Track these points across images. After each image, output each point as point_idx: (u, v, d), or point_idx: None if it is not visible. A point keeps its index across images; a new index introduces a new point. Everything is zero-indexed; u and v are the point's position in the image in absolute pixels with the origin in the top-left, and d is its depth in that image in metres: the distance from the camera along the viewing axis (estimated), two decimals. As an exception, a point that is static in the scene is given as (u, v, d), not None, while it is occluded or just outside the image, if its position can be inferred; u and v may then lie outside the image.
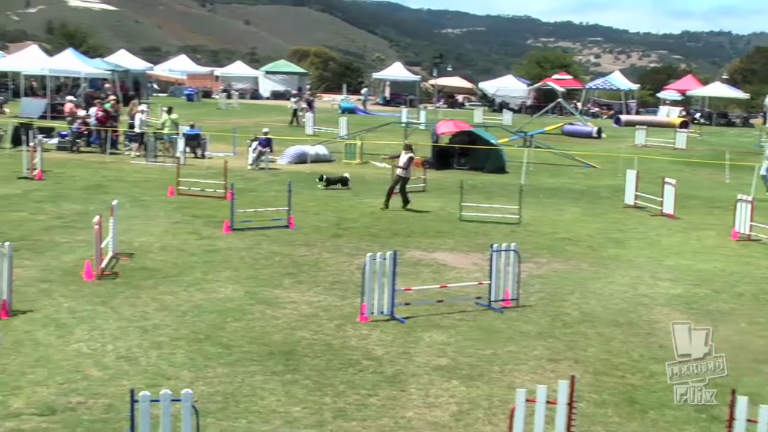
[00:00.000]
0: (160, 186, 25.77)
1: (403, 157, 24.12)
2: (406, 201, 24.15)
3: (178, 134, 33.40)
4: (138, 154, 33.43)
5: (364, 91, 78.55)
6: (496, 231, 21.09)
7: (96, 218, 15.46)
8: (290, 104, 55.37)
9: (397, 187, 24.17)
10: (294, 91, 71.79)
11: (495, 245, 14.86)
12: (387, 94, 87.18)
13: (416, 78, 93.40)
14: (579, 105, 77.00)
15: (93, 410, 9.89)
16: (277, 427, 9.75)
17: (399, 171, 24.18)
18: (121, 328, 12.81)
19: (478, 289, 15.14)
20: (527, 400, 8.63)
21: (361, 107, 69.68)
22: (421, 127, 45.59)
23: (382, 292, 13.81)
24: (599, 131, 53.25)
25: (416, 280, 15.96)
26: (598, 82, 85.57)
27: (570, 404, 8.56)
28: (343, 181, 27.91)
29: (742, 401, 8.37)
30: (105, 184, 26.23)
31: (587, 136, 52.45)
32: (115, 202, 17.44)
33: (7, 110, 48.90)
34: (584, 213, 25.06)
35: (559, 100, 65.66)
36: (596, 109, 78.90)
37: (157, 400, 7.96)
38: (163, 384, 10.21)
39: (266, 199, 23.83)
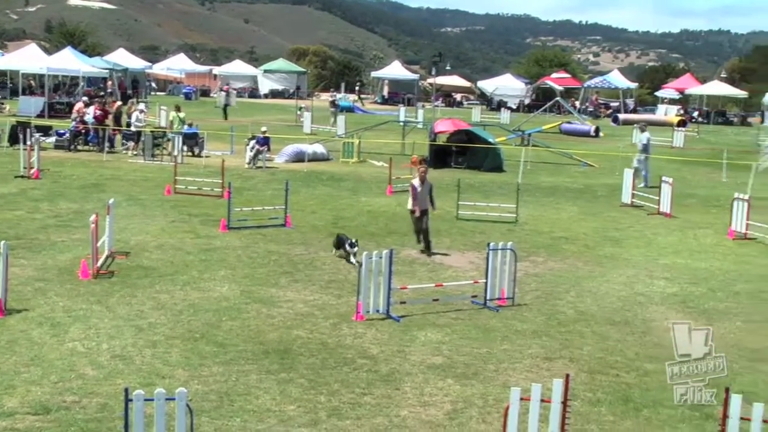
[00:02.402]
0: (158, 185, 25.76)
1: (424, 187, 18.74)
2: (429, 244, 18.69)
3: (179, 133, 33.46)
4: (135, 152, 33.43)
5: (338, 96, 72.88)
6: (493, 230, 21.10)
7: (92, 217, 15.47)
8: (219, 99, 55.26)
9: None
10: (225, 88, 69.70)
11: (491, 244, 14.86)
12: (385, 92, 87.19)
13: (414, 77, 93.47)
14: (577, 104, 76.97)
15: (87, 409, 9.89)
16: (271, 425, 9.75)
17: (423, 206, 18.71)
18: (117, 326, 12.82)
19: (474, 287, 15.14)
20: (522, 399, 8.64)
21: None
22: (419, 125, 45.61)
23: (378, 291, 13.82)
24: (597, 130, 53.26)
25: (412, 279, 15.96)
26: (597, 81, 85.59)
27: (564, 403, 8.57)
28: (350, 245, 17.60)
29: (735, 399, 8.38)
30: (102, 183, 26.23)
31: (585, 134, 52.46)
32: (111, 201, 17.44)
33: (5, 108, 48.88)
34: (581, 212, 25.05)
35: (558, 98, 65.63)
36: (594, 107, 78.90)
37: (152, 399, 7.96)
38: (157, 383, 10.22)
39: (263, 198, 23.82)
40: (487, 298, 14.73)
